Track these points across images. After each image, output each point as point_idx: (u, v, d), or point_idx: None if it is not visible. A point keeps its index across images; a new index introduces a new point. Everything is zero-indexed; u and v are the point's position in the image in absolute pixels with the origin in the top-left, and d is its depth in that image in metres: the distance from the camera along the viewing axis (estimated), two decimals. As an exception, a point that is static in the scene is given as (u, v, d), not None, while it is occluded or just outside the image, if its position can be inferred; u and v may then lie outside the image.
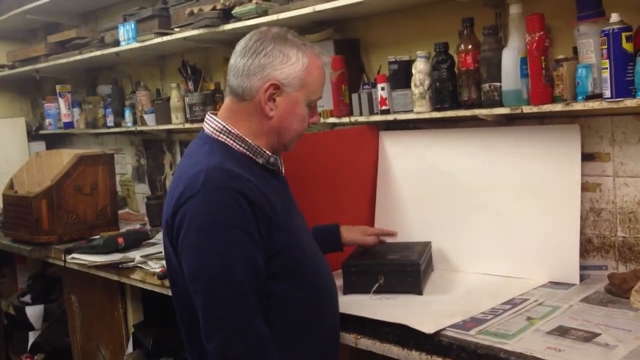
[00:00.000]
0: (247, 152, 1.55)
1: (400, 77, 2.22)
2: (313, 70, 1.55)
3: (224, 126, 1.55)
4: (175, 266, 1.52)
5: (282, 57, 1.52)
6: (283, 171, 1.66)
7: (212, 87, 3.10)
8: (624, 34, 1.64)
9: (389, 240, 2.10)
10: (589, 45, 1.75)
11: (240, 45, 1.56)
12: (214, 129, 1.56)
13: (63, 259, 2.77)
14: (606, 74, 1.66)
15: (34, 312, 3.38)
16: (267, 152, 1.56)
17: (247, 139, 1.54)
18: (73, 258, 2.73)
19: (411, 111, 2.19)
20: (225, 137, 1.54)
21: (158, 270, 2.38)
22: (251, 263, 1.43)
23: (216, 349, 1.39)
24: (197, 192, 1.41)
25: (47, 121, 4.22)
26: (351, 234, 2.00)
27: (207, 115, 1.60)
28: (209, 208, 1.41)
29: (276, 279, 1.49)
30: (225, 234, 1.40)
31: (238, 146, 1.54)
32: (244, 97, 1.54)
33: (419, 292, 1.87)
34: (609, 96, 1.67)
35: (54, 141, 4.41)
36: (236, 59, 1.55)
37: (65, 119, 4.03)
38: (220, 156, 1.49)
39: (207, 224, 1.41)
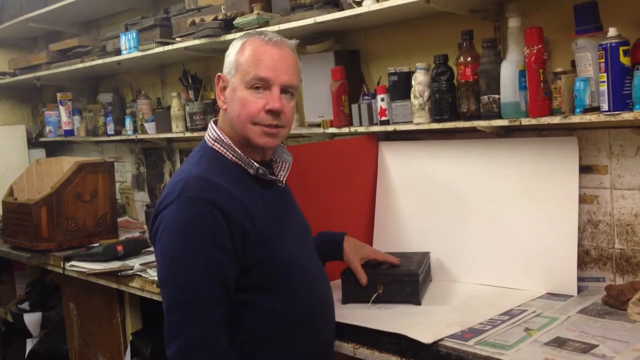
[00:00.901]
0: (239, 162, 1.56)
1: (400, 88, 2.24)
2: (245, 49, 1.54)
3: (218, 135, 1.57)
4: None
5: (227, 51, 1.58)
6: (284, 182, 1.66)
7: (213, 97, 3.11)
8: (621, 48, 1.66)
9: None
10: (587, 59, 1.77)
11: None
12: (211, 137, 1.59)
13: (62, 266, 2.78)
14: (604, 87, 1.68)
15: (32, 320, 3.37)
16: (255, 163, 1.56)
17: (236, 148, 1.55)
18: (72, 265, 2.73)
19: (411, 122, 2.20)
20: (219, 145, 1.57)
21: (157, 278, 2.38)
22: (219, 274, 1.43)
23: (174, 355, 1.41)
24: (173, 201, 1.45)
25: (47, 129, 4.23)
26: (352, 256, 1.90)
27: (210, 122, 1.63)
28: (181, 217, 1.43)
29: (254, 290, 1.49)
30: (194, 243, 1.42)
31: (231, 155, 1.56)
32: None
33: (418, 302, 1.88)
34: (607, 109, 1.69)
35: (54, 149, 4.43)
36: None
37: (65, 127, 4.04)
38: (207, 165, 1.51)
39: (177, 232, 1.43)
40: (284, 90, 1.55)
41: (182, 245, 1.42)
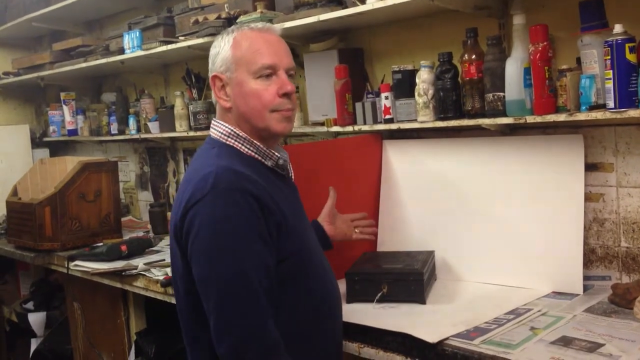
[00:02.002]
0: (256, 155, 1.55)
1: (404, 87, 2.23)
2: (241, 42, 1.53)
3: (231, 130, 1.55)
4: (181, 271, 1.50)
5: (215, 50, 1.57)
6: (293, 177, 1.65)
7: (216, 96, 3.11)
8: (627, 45, 1.64)
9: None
10: (593, 56, 1.76)
11: None
12: (222, 133, 1.56)
13: (66, 266, 2.78)
14: (610, 85, 1.67)
15: (36, 319, 3.38)
16: (275, 153, 1.56)
17: (255, 141, 1.54)
18: (76, 265, 2.73)
19: (415, 120, 2.19)
20: (233, 140, 1.55)
21: (161, 277, 2.38)
22: (263, 265, 1.42)
23: (228, 352, 1.37)
24: (207, 194, 1.40)
25: (51, 128, 4.23)
26: (334, 229, 2.00)
27: (213, 121, 1.61)
28: (219, 210, 1.39)
29: (282, 285, 1.47)
30: (237, 236, 1.39)
31: (247, 149, 1.54)
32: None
33: (423, 301, 1.87)
34: (613, 106, 1.67)
35: (58, 148, 4.43)
36: None
37: (69, 126, 4.04)
38: (230, 159, 1.49)
39: (218, 226, 1.39)
40: (288, 72, 1.56)
41: (225, 238, 1.38)
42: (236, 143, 1.54)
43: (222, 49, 1.55)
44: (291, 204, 1.56)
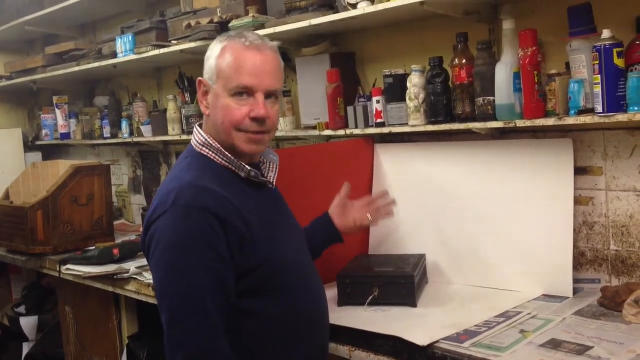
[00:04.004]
0: (230, 166, 1.54)
1: (396, 91, 2.24)
2: (226, 55, 1.50)
3: (206, 139, 1.54)
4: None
5: (207, 54, 1.55)
6: (274, 183, 1.63)
7: (208, 100, 3.11)
8: (615, 50, 1.66)
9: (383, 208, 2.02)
10: (581, 61, 1.77)
11: None
12: (198, 142, 1.56)
13: (58, 269, 2.77)
14: (598, 89, 1.68)
15: (28, 323, 3.36)
16: (247, 166, 1.54)
17: (227, 152, 1.53)
18: (68, 269, 2.73)
19: (406, 124, 2.20)
20: (207, 150, 1.54)
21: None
22: (218, 282, 1.41)
23: None
24: (167, 210, 1.41)
25: (44, 132, 4.23)
26: (345, 220, 1.93)
27: (195, 127, 1.60)
28: (177, 226, 1.40)
29: (252, 295, 1.47)
30: (192, 253, 1.39)
31: (221, 160, 1.53)
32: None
33: (414, 304, 1.88)
34: (601, 111, 1.69)
35: (51, 152, 4.42)
36: None
37: (62, 130, 4.04)
38: (197, 171, 1.48)
39: (174, 242, 1.40)
40: (268, 95, 1.52)
41: (180, 256, 1.39)
42: (210, 153, 1.54)
43: (211, 55, 1.53)
44: (265, 213, 1.54)
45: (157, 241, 1.42)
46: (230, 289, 1.44)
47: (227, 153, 1.53)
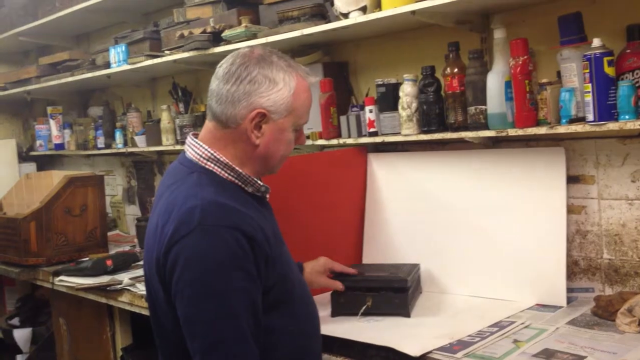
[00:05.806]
0: (236, 181, 1.48)
1: (388, 100, 2.24)
2: (301, 93, 1.48)
3: (211, 154, 1.47)
4: (163, 306, 1.43)
5: (268, 83, 1.44)
6: (268, 197, 1.60)
7: (203, 109, 3.11)
8: (605, 59, 1.66)
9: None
10: (572, 70, 1.78)
11: (222, 69, 1.47)
12: (201, 156, 1.48)
13: (51, 281, 2.76)
14: (589, 98, 1.69)
15: (21, 335, 3.34)
16: (258, 181, 1.51)
17: (236, 167, 1.48)
18: (61, 280, 2.72)
19: (399, 133, 2.20)
20: (213, 165, 1.47)
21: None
22: (252, 303, 1.36)
23: None
24: (193, 230, 1.33)
25: (37, 142, 4.21)
26: (315, 277, 1.91)
27: (189, 139, 1.51)
28: (206, 248, 1.33)
29: (269, 312, 1.43)
30: (225, 276, 1.33)
31: (227, 175, 1.47)
32: (229, 125, 1.46)
33: (407, 315, 1.87)
34: (592, 119, 1.69)
35: (45, 162, 4.41)
36: (219, 84, 1.46)
37: (56, 141, 4.02)
38: (212, 187, 1.42)
39: (205, 265, 1.32)
40: None
41: (211, 279, 1.32)
42: (216, 167, 1.47)
43: (281, 89, 1.45)
44: (271, 226, 1.51)
45: (183, 263, 1.33)
46: (259, 308, 1.39)
47: (236, 168, 1.47)
